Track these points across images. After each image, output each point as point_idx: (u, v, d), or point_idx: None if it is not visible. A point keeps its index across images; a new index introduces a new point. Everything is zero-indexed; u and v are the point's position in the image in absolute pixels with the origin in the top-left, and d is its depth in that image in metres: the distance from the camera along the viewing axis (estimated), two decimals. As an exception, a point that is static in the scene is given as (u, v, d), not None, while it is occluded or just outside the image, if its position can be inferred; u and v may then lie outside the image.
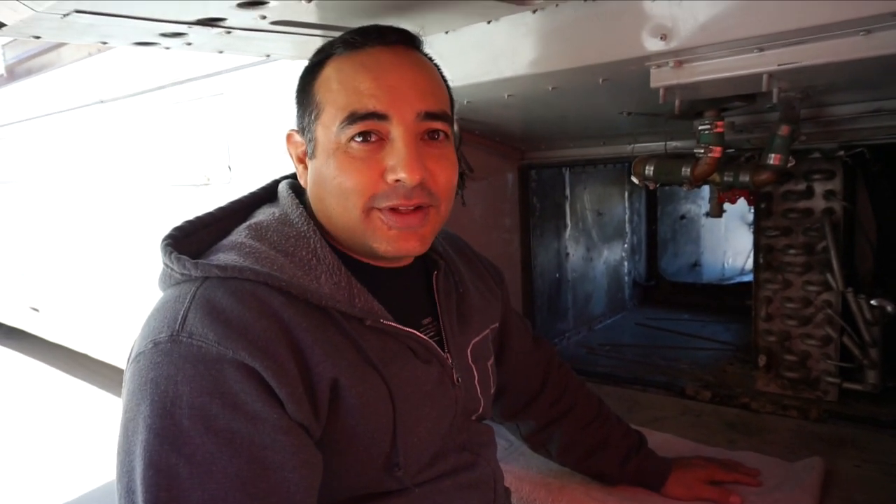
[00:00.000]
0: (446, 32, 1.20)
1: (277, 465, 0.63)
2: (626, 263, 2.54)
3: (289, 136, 0.81)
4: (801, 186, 1.51)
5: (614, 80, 1.14)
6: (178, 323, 0.65)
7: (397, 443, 0.74)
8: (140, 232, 2.35)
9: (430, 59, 0.81)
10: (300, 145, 0.80)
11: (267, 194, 0.85)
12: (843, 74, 1.02)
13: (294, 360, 0.66)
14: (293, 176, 0.88)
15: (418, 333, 0.78)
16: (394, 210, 0.72)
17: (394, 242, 0.74)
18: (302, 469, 0.65)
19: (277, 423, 0.64)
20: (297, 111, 0.80)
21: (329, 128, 0.73)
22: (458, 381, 0.83)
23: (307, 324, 0.68)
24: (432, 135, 0.75)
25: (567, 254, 2.16)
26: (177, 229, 0.76)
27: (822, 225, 1.47)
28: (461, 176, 1.44)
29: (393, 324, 0.75)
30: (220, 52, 1.18)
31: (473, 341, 0.90)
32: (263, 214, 0.79)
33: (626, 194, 2.53)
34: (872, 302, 1.41)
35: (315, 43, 1.23)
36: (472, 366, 0.88)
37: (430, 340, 0.80)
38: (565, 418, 1.10)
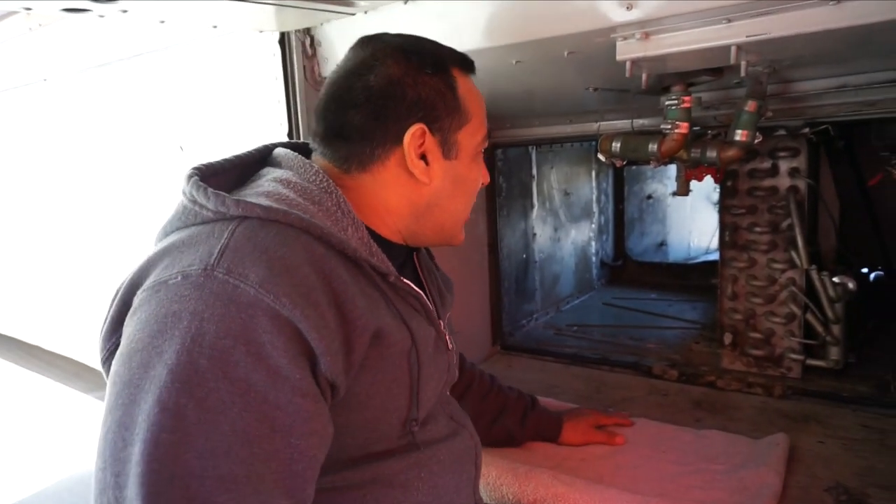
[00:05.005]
0: (405, 2, 1.14)
1: (286, 428, 0.59)
2: (593, 243, 2.54)
3: (416, 131, 0.76)
4: (767, 164, 1.51)
5: (580, 52, 1.10)
6: (214, 258, 0.60)
7: (418, 396, 0.75)
8: (83, 220, 2.24)
9: None
10: (427, 142, 0.77)
11: (261, 155, 0.80)
12: (812, 46, 1.00)
13: (335, 313, 0.63)
14: (278, 145, 0.82)
15: (423, 296, 0.78)
16: None
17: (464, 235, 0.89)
18: (310, 437, 0.61)
19: (298, 385, 0.59)
20: (427, 109, 0.76)
21: (474, 137, 0.82)
22: (450, 345, 0.86)
23: (347, 276, 0.66)
24: None
25: (534, 234, 2.13)
26: (200, 168, 0.71)
27: (787, 203, 1.47)
28: None
29: (409, 283, 0.75)
30: (162, 21, 1.10)
31: (446, 316, 0.93)
32: (275, 172, 0.74)
33: (594, 174, 2.51)
34: (835, 279, 1.43)
35: (267, 13, 1.16)
36: (449, 339, 0.90)
37: (430, 304, 0.81)
38: (468, 393, 1.17)
